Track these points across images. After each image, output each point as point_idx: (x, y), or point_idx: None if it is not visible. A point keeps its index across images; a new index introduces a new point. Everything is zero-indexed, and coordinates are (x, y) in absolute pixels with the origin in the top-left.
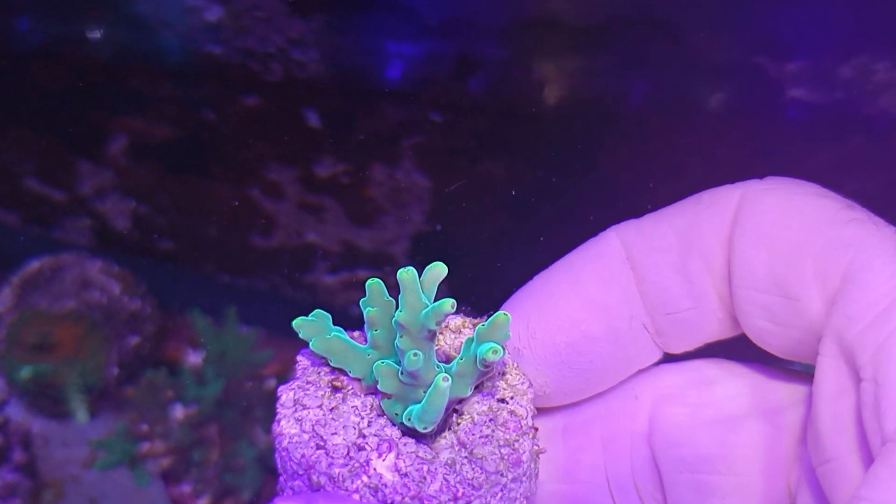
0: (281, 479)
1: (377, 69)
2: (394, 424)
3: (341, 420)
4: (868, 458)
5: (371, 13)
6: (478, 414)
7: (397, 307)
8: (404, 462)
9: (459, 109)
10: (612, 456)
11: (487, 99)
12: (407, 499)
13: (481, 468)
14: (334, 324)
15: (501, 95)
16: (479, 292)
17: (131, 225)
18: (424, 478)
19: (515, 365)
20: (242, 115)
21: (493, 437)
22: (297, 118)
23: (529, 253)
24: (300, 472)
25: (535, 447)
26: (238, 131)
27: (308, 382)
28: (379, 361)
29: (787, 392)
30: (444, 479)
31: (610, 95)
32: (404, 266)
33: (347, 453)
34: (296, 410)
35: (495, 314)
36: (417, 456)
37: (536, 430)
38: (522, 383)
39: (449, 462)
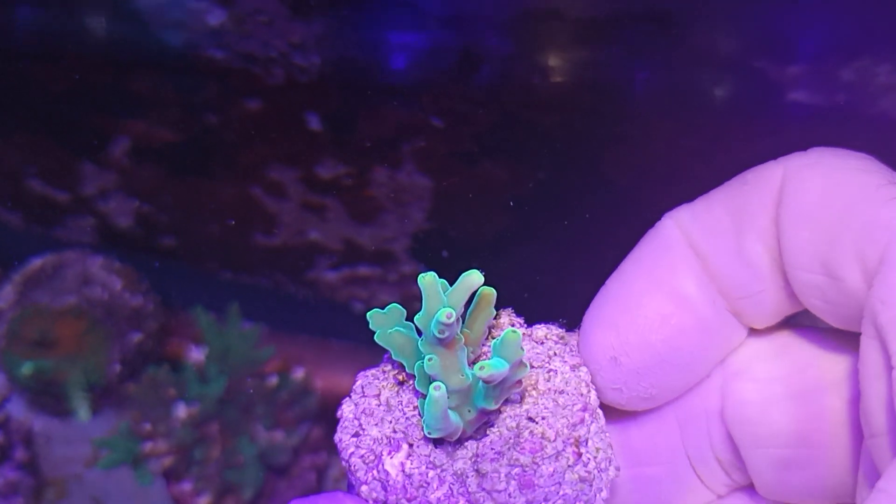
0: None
1: (380, 62)
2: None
3: (389, 414)
4: None
5: (373, 6)
6: (507, 429)
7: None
8: (412, 464)
9: (461, 105)
10: (691, 435)
11: (490, 93)
12: (403, 500)
13: (482, 488)
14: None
15: (504, 90)
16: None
17: (134, 224)
18: (427, 483)
19: (583, 379)
20: (245, 119)
21: (504, 455)
22: (298, 121)
23: (530, 252)
24: (339, 451)
25: (572, 471)
26: (240, 134)
27: (382, 372)
28: (419, 361)
29: (852, 361)
30: (450, 487)
31: (612, 92)
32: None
33: (371, 446)
34: (360, 396)
35: (504, 332)
36: (429, 460)
37: (579, 453)
38: (574, 404)
39: (459, 472)
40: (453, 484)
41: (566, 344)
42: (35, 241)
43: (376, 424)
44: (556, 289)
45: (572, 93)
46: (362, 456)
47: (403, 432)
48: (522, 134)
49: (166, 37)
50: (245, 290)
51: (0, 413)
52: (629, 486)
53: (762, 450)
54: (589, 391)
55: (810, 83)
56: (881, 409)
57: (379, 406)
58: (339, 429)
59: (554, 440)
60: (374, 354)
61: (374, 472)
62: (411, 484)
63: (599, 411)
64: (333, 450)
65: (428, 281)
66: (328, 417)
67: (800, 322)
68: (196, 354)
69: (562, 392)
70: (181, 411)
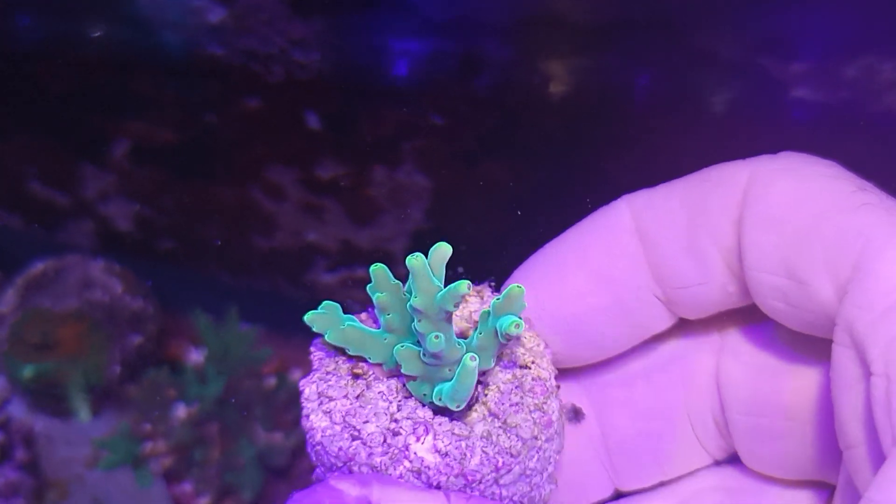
0: (318, 470)
1: (381, 68)
2: (424, 405)
3: (370, 407)
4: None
5: (374, 11)
6: (503, 383)
7: (407, 289)
8: (442, 442)
9: (462, 108)
10: (692, 395)
11: (491, 98)
12: (452, 478)
13: (517, 436)
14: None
15: (505, 94)
16: None
17: (134, 227)
18: (464, 454)
19: (529, 328)
20: (244, 118)
21: (523, 404)
22: (298, 120)
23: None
24: (339, 465)
25: (561, 404)
26: (240, 134)
27: (328, 373)
28: (399, 345)
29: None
30: (483, 451)
31: (614, 95)
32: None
33: (384, 440)
34: (321, 403)
35: (509, 287)
36: (454, 434)
37: (559, 387)
38: (539, 345)
39: (485, 435)
40: (485, 447)
41: None
42: (36, 244)
43: (368, 421)
44: None
45: (574, 96)
46: (384, 454)
47: (410, 417)
48: (523, 134)
49: (166, 35)
50: (243, 292)
51: (1, 414)
52: (634, 440)
53: (745, 416)
54: (535, 331)
55: (813, 81)
56: (856, 420)
57: (355, 404)
58: (326, 441)
59: (549, 379)
60: None
61: (407, 462)
62: (453, 460)
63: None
64: None
65: (419, 262)
66: None
67: None
68: (195, 356)
69: (520, 338)
70: (180, 411)
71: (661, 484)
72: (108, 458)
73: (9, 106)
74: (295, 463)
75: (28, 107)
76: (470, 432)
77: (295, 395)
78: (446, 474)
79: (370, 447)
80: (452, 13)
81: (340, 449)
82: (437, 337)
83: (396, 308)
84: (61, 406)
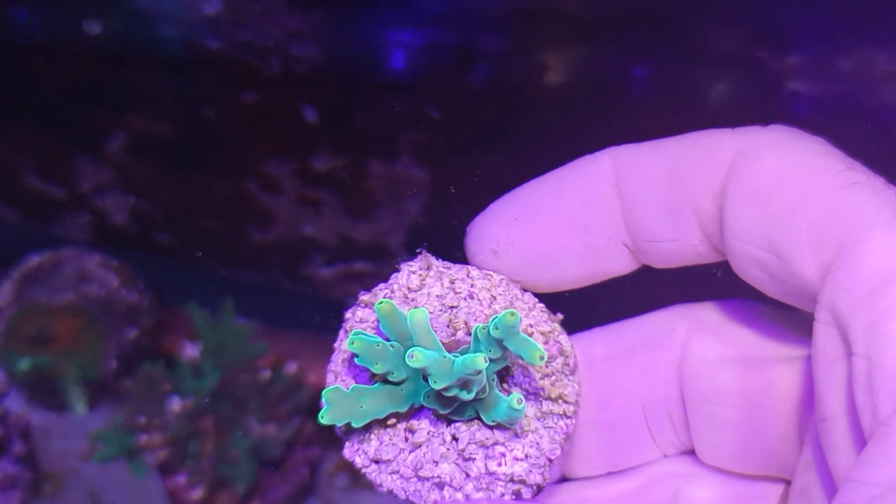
0: None
1: (377, 60)
2: (464, 421)
3: (430, 451)
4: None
5: (371, 4)
6: (517, 365)
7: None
8: (520, 450)
9: (459, 101)
10: (650, 385)
11: (487, 90)
12: (544, 469)
13: (564, 402)
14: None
15: (501, 86)
16: None
17: (130, 220)
18: (537, 443)
19: (522, 294)
20: (240, 111)
21: (556, 372)
22: (294, 113)
23: None
24: None
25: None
26: (236, 127)
27: (363, 440)
28: (463, 359)
29: (805, 341)
30: (546, 430)
31: (610, 87)
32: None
33: (466, 475)
34: (381, 467)
35: (504, 313)
36: (516, 436)
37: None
38: (544, 311)
39: (537, 416)
40: (545, 426)
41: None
42: (32, 237)
43: (438, 463)
44: None
45: (570, 88)
46: (478, 488)
47: (472, 441)
48: (520, 126)
49: (162, 28)
50: (239, 286)
51: None
52: (587, 429)
53: (707, 406)
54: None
55: (810, 74)
56: (834, 395)
57: (418, 454)
58: (416, 498)
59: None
60: None
61: (501, 486)
62: (536, 454)
63: None
64: (326, 445)
65: (423, 359)
66: None
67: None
68: (190, 350)
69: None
70: (175, 405)
71: (610, 473)
72: (104, 450)
73: (5, 99)
74: (289, 455)
75: (24, 100)
76: (524, 426)
77: (289, 388)
78: (538, 468)
79: (459, 488)
80: (448, 6)
81: (435, 502)
82: (486, 360)
83: (398, 366)
84: (58, 400)
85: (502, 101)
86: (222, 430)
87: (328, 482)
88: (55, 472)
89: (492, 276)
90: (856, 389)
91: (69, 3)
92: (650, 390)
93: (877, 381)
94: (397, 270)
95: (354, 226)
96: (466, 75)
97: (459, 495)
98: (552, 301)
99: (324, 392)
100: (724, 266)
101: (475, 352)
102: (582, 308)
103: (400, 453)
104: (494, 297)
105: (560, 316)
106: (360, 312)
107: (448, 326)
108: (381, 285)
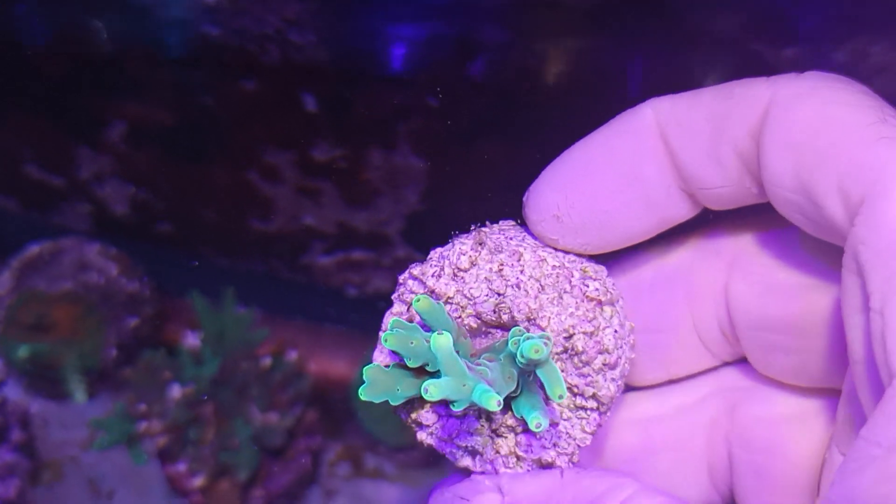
0: None
1: (377, 50)
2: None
3: (496, 461)
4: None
5: None
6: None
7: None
8: (588, 426)
9: (457, 90)
10: (698, 308)
11: (486, 79)
12: (572, 456)
13: (597, 401)
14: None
15: (500, 76)
16: None
17: (130, 209)
18: (568, 433)
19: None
20: (240, 100)
21: (593, 373)
22: (294, 102)
23: None
24: None
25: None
26: (236, 116)
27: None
28: (480, 391)
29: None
30: (578, 420)
31: (608, 77)
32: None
33: (498, 452)
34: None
35: (532, 343)
36: (550, 425)
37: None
38: (593, 300)
39: (571, 408)
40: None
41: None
42: (32, 226)
43: (498, 453)
44: None
45: (569, 77)
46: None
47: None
48: (518, 115)
49: (161, 16)
50: (240, 274)
51: None
52: (644, 348)
53: (755, 332)
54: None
55: (805, 65)
56: (858, 342)
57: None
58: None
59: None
60: (367, 339)
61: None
62: (593, 420)
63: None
64: (328, 434)
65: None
66: (322, 401)
67: None
68: (191, 339)
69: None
70: (175, 392)
71: (671, 381)
72: (103, 437)
73: (4, 88)
74: (290, 443)
75: (24, 89)
76: (561, 412)
77: (290, 376)
78: (568, 458)
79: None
80: None
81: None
82: (498, 403)
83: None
84: (57, 388)
85: (501, 90)
86: (223, 418)
87: (330, 471)
88: (54, 461)
89: (544, 263)
90: (873, 344)
91: None
92: (699, 313)
93: (889, 341)
94: (451, 243)
95: (353, 214)
96: (466, 65)
97: (488, 467)
98: None
99: (365, 368)
100: None
101: (504, 364)
102: None
103: (438, 419)
104: (543, 288)
105: (618, 295)
106: (412, 284)
107: (494, 312)
108: (433, 258)
